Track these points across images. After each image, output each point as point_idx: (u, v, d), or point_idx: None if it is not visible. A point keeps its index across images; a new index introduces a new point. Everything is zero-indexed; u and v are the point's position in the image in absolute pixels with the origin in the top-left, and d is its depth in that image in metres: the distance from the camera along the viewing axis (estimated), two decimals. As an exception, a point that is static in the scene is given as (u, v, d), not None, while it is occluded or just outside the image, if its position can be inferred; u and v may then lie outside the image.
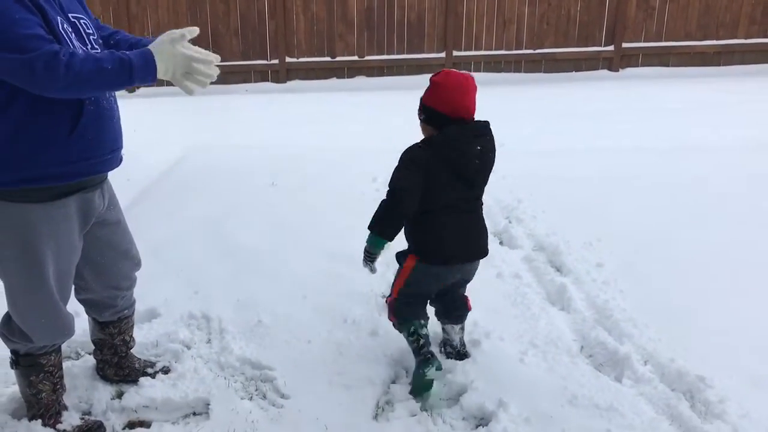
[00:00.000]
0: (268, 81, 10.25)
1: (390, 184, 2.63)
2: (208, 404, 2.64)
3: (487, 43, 10.08)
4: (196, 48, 2.18)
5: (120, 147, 2.41)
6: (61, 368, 2.57)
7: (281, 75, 10.14)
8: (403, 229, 2.71)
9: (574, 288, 3.42)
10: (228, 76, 10.10)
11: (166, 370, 2.85)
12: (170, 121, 7.63)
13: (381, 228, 2.66)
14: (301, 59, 10.11)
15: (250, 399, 2.69)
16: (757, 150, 5.43)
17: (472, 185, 2.70)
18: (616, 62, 10.06)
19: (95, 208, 2.41)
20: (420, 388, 2.69)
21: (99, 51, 2.15)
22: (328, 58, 10.12)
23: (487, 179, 2.79)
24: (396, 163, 2.63)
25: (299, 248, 3.89)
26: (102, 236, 2.49)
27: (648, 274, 3.53)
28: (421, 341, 2.69)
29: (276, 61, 10.10)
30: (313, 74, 10.12)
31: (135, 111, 8.16)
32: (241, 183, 4.95)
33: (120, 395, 2.73)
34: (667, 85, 8.88)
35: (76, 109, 2.17)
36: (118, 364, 2.81)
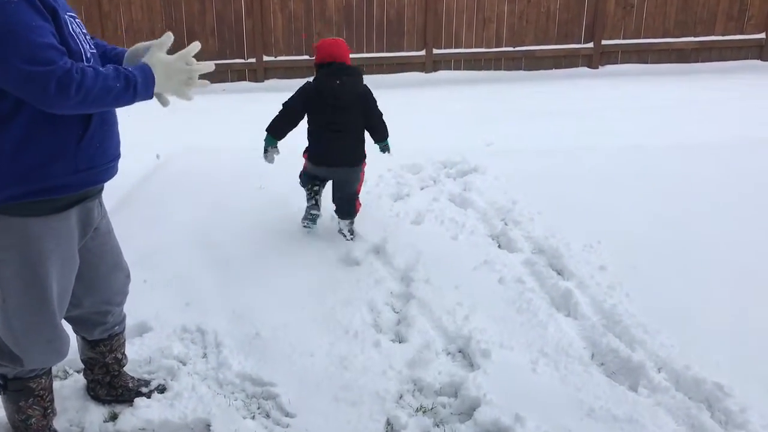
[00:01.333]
0: (246, 80, 10.06)
1: (281, 107, 3.88)
2: (209, 425, 2.50)
3: (467, 40, 10.01)
4: (182, 54, 2.13)
5: (120, 154, 2.28)
6: (52, 391, 2.41)
7: (259, 74, 9.96)
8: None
9: (579, 292, 3.33)
10: (204, 75, 9.87)
11: (161, 389, 2.70)
12: (146, 123, 7.38)
13: (272, 130, 3.89)
14: (279, 58, 9.94)
15: (253, 418, 2.56)
16: (753, 147, 5.39)
17: (335, 110, 3.80)
18: (595, 59, 10.06)
19: (94, 218, 2.28)
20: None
21: (103, 66, 2.01)
22: (306, 57, 9.96)
23: (354, 110, 3.90)
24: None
25: (292, 255, 3.76)
26: (93, 248, 2.34)
27: (653, 277, 3.46)
28: (310, 195, 4.04)
29: (253, 60, 9.92)
30: (292, 73, 9.94)
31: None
32: (226, 187, 4.79)
33: (114, 417, 2.58)
34: (648, 83, 8.88)
35: (85, 117, 2.06)
36: (110, 383, 2.66)
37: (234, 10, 9.77)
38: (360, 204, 4.11)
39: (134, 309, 3.09)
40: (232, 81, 10.01)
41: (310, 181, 4.03)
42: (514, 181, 4.84)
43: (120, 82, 1.94)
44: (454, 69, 10.15)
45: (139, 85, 1.98)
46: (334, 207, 4.05)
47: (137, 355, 2.86)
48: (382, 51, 10.01)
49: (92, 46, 2.15)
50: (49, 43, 1.84)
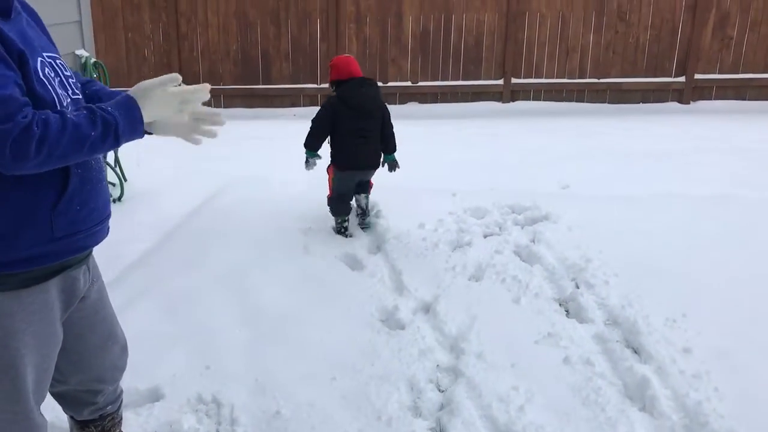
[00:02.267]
0: (317, 105, 9.85)
1: (312, 124, 4.38)
2: None
3: (548, 70, 9.52)
4: (163, 79, 1.84)
5: (109, 215, 1.98)
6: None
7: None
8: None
9: (657, 381, 2.84)
10: (276, 100, 9.78)
11: (163, 472, 2.38)
12: (205, 150, 7.25)
13: (310, 146, 4.39)
14: (352, 84, 9.70)
15: None
16: None
17: (361, 118, 4.27)
18: (687, 94, 9.38)
19: (80, 289, 1.96)
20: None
21: (78, 109, 1.69)
22: (380, 83, 9.67)
23: (377, 117, 4.38)
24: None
25: (332, 312, 3.40)
26: (82, 318, 2.03)
27: (749, 367, 2.93)
28: (342, 228, 4.43)
29: (326, 85, 9.70)
30: (364, 99, 9.70)
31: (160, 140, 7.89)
32: (274, 226, 4.50)
33: (106, 504, 2.27)
34: (745, 121, 8.16)
35: (61, 176, 1.75)
36: (104, 468, 2.35)
37: (309, 34, 9.62)
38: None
39: (151, 369, 2.81)
40: (304, 106, 9.84)
41: (341, 205, 4.42)
42: (590, 233, 4.36)
43: (96, 129, 1.64)
44: (534, 99, 9.67)
45: (120, 127, 1.69)
46: (355, 195, 4.52)
47: (142, 429, 2.54)
48: (458, 79, 9.64)
49: (76, 90, 1.85)
50: (8, 95, 1.55)
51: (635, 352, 3.13)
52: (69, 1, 4.80)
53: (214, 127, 1.93)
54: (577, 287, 3.72)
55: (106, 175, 1.95)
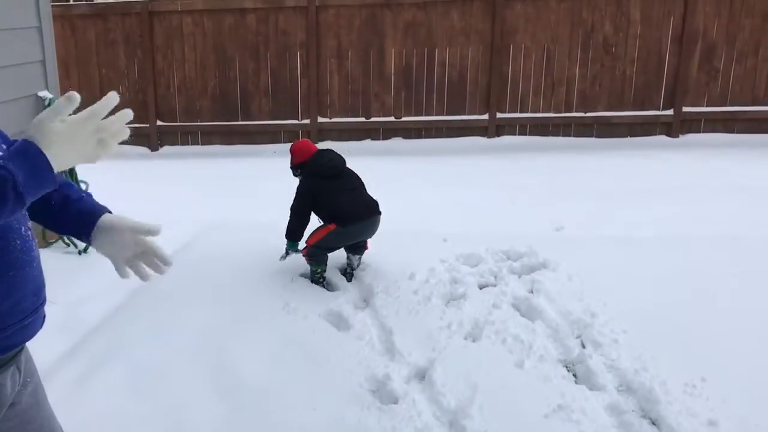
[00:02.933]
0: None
1: (292, 213, 4.25)
2: None
3: (533, 104, 9.32)
4: (93, 109, 1.40)
5: (44, 301, 1.65)
6: None
7: (313, 136, 9.46)
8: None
9: (683, 462, 2.52)
10: (256, 137, 9.49)
11: None
12: (180, 190, 6.93)
13: (292, 236, 4.25)
14: (334, 119, 9.45)
15: None
16: None
17: (341, 178, 4.26)
18: (675, 127, 9.20)
19: (6, 395, 1.61)
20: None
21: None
22: (362, 119, 9.45)
23: (353, 174, 4.39)
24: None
25: (317, 384, 3.06)
26: (11, 429, 1.68)
27: (784, 443, 2.62)
28: (322, 278, 4.19)
29: (307, 121, 9.46)
30: (347, 135, 9.44)
31: (136, 177, 7.52)
32: (251, 279, 4.16)
33: None
34: (736, 156, 7.96)
35: None
36: None
37: (290, 69, 9.37)
38: None
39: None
40: (284, 142, 9.55)
41: (324, 256, 4.17)
42: (591, 282, 4.07)
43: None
44: (519, 134, 9.45)
45: (20, 183, 1.26)
46: (347, 247, 4.30)
47: None
48: (442, 114, 9.42)
49: None
50: None
51: (653, 423, 2.82)
52: (31, 40, 4.48)
53: (149, 270, 1.68)
54: (584, 347, 3.41)
55: (37, 254, 1.61)
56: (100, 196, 5.50)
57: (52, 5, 9.59)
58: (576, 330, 3.56)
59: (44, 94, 4.58)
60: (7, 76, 4.28)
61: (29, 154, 1.30)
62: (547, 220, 5.49)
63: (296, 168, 4.36)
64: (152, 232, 1.59)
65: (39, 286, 1.60)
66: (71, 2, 10.20)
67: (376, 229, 4.27)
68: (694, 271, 4.25)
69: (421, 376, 3.17)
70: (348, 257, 4.36)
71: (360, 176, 4.41)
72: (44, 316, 1.66)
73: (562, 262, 4.37)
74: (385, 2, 8.99)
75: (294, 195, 4.25)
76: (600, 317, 3.62)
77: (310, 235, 4.18)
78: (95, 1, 9.83)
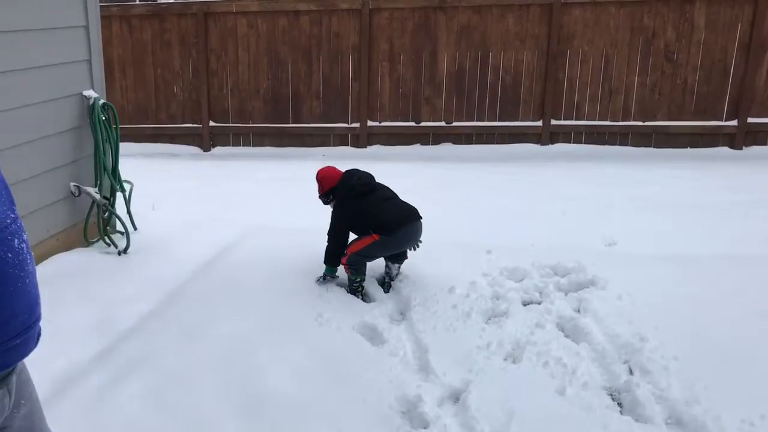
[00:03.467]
0: (348, 145, 9.52)
1: (330, 238, 4.16)
2: None
3: (590, 112, 9.04)
4: None
5: (38, 318, 1.56)
6: None
7: (362, 139, 9.40)
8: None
9: None
10: (306, 139, 9.46)
11: None
12: (228, 191, 6.91)
13: (331, 262, 4.14)
14: (384, 123, 9.35)
15: None
16: None
17: (373, 191, 4.18)
18: (739, 139, 8.80)
19: None
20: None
21: None
22: (412, 123, 9.32)
23: (385, 186, 4.31)
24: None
25: (345, 402, 2.93)
26: None
27: None
28: (360, 288, 4.08)
29: (357, 125, 9.38)
30: (396, 140, 9.33)
31: (186, 177, 7.52)
32: (286, 288, 4.07)
33: None
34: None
35: None
36: None
37: (341, 73, 9.31)
38: None
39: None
40: (334, 145, 9.51)
41: (364, 266, 4.07)
42: (643, 303, 3.85)
43: None
44: (574, 142, 9.18)
45: None
46: (389, 263, 4.25)
47: None
48: (495, 120, 9.22)
49: None
50: None
51: (706, 463, 2.60)
52: (77, 39, 4.49)
53: None
54: (631, 373, 3.20)
55: (32, 268, 1.53)
56: (148, 196, 5.56)
57: (112, 5, 9.79)
58: (624, 355, 3.35)
59: (89, 93, 4.60)
60: (53, 75, 4.30)
61: None
62: (598, 234, 5.26)
63: (327, 195, 4.29)
64: None
65: (33, 303, 1.52)
66: (132, 2, 10.39)
67: (419, 236, 4.18)
68: (755, 293, 3.99)
69: (455, 398, 3.02)
70: (387, 266, 4.26)
71: (392, 189, 4.33)
72: (39, 334, 1.57)
73: (612, 280, 4.16)
74: (440, 5, 8.85)
75: (330, 220, 4.19)
76: (650, 341, 3.40)
77: (351, 244, 4.08)
78: (153, 2, 9.98)
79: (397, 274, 4.26)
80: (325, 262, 4.16)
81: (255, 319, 3.64)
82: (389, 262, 4.25)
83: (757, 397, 2.93)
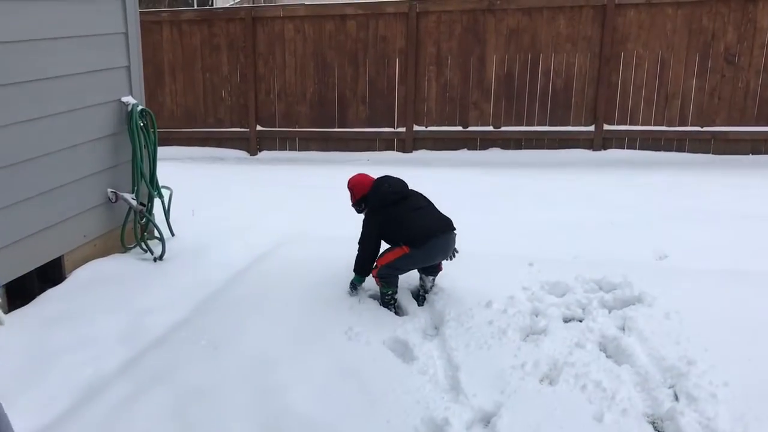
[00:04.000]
0: (393, 150, 9.42)
1: (361, 248, 4.05)
2: None
3: (645, 117, 8.71)
4: None
5: None
6: None
7: (407, 144, 9.28)
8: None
9: None
10: (351, 143, 9.39)
11: None
12: (271, 196, 6.87)
13: (361, 271, 4.04)
14: (430, 128, 9.20)
15: None
16: None
17: (404, 199, 4.04)
18: (805, 145, 8.35)
19: None
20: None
21: None
22: (459, 128, 9.15)
23: (417, 194, 4.15)
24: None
25: (369, 424, 2.81)
26: None
27: None
28: (393, 300, 3.96)
29: (403, 129, 9.26)
30: (442, 144, 9.18)
31: (231, 181, 7.52)
32: (318, 299, 3.98)
33: None
34: None
35: None
36: None
37: (387, 77, 9.21)
38: None
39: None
40: (379, 150, 9.42)
41: (395, 278, 3.95)
42: (692, 323, 3.62)
43: None
44: (628, 148, 8.87)
45: None
46: (423, 275, 4.14)
47: None
48: (545, 124, 8.98)
49: None
50: None
51: (755, 503, 2.39)
52: (117, 46, 4.50)
53: None
54: (676, 399, 2.99)
55: None
56: (189, 201, 5.56)
57: (163, 10, 9.92)
58: (669, 379, 3.14)
59: (128, 99, 4.60)
60: (92, 81, 4.31)
61: None
62: (649, 247, 5.01)
63: (359, 204, 4.18)
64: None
65: None
66: (183, 8, 10.51)
67: (451, 248, 4.03)
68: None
69: (486, 421, 2.86)
70: (421, 278, 4.13)
71: (427, 196, 4.19)
72: None
73: (660, 297, 3.93)
74: (488, 7, 8.67)
75: (361, 228, 4.08)
76: (698, 365, 3.18)
77: (381, 256, 3.97)
78: (203, 7, 10.07)
79: (431, 287, 4.12)
80: (354, 271, 4.07)
81: (283, 332, 3.55)
82: (423, 275, 4.11)
83: (815, 431, 2.69)
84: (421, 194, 4.17)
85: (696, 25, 8.27)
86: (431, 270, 4.08)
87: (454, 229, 3.99)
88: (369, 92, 9.32)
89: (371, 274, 3.99)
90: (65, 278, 4.21)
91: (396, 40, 9.02)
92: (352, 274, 4.15)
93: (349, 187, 4.22)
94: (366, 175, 4.27)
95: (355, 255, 4.06)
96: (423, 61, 9.02)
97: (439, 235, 3.89)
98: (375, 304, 3.93)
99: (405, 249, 3.85)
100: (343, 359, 3.28)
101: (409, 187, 4.17)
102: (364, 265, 4.01)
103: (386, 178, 4.16)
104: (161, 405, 2.91)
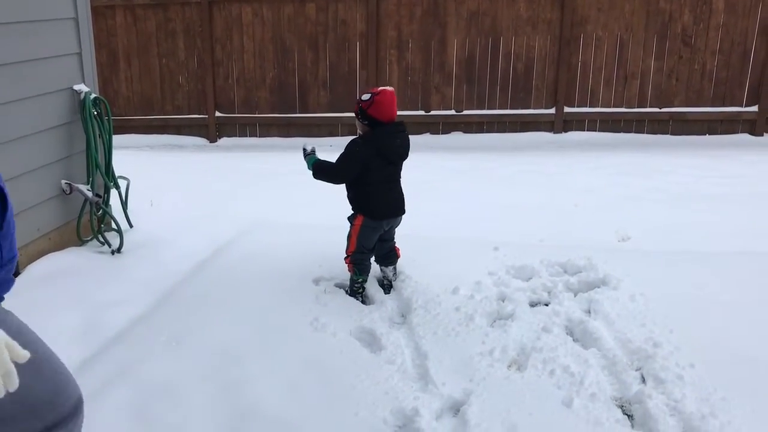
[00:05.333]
0: (356, 135, 9.31)
1: (336, 164, 3.78)
2: None
3: (604, 99, 8.79)
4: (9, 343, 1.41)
5: None
6: None
7: (370, 129, 9.19)
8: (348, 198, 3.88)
9: None
10: (313, 129, 9.28)
11: None
12: (233, 183, 6.76)
13: (318, 175, 3.84)
14: (393, 112, 9.12)
15: None
16: None
17: (395, 165, 3.81)
18: (760, 125, 8.53)
19: None
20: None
21: None
22: (422, 112, 9.11)
23: (402, 163, 3.87)
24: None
25: (337, 417, 2.76)
26: None
27: None
28: (362, 289, 3.92)
29: (365, 114, 9.16)
30: (407, 128, 9.10)
31: (190, 169, 7.37)
32: (282, 288, 3.89)
33: None
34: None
35: None
36: None
37: (348, 61, 9.11)
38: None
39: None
40: (342, 135, 9.32)
41: (365, 262, 3.89)
42: (657, 305, 3.64)
43: None
44: (588, 130, 8.94)
45: None
46: (378, 259, 4.03)
47: None
48: (506, 108, 8.99)
49: None
50: None
51: (723, 484, 2.41)
52: (66, 32, 4.32)
53: None
54: (644, 382, 3.01)
55: None
56: (148, 190, 5.42)
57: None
58: (636, 361, 3.15)
59: (80, 87, 4.43)
60: (41, 69, 4.13)
61: None
62: (611, 229, 5.05)
63: (367, 119, 3.67)
64: (20, 358, 1.40)
65: None
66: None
67: (397, 224, 3.97)
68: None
69: (455, 410, 2.84)
70: (381, 270, 4.05)
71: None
72: None
73: (624, 279, 3.95)
74: (449, -10, 8.61)
75: (345, 150, 3.72)
76: (664, 347, 3.20)
77: (348, 241, 3.89)
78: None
79: (394, 275, 4.06)
80: (314, 169, 3.79)
81: (247, 325, 3.47)
82: (381, 266, 4.03)
83: (779, 409, 2.73)
84: (400, 163, 3.88)
85: (653, 6, 8.35)
86: (388, 260, 4.01)
87: (403, 212, 3.91)
88: (330, 77, 9.21)
89: (344, 262, 3.92)
90: (19, 273, 4.06)
91: (356, 23, 8.92)
92: (317, 261, 4.11)
93: (375, 98, 3.62)
94: (394, 105, 3.71)
95: (328, 166, 3.77)
96: (384, 44, 8.94)
97: (393, 217, 3.87)
98: (341, 294, 3.87)
99: (359, 220, 3.80)
100: (310, 351, 3.22)
101: (407, 151, 3.82)
102: (324, 177, 3.79)
103: (401, 135, 3.74)
104: (122, 403, 2.81)
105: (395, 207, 3.88)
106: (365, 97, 3.68)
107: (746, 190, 6.00)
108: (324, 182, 3.85)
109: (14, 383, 1.39)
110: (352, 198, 3.87)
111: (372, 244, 3.89)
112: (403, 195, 3.92)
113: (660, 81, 8.60)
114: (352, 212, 3.90)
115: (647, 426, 2.71)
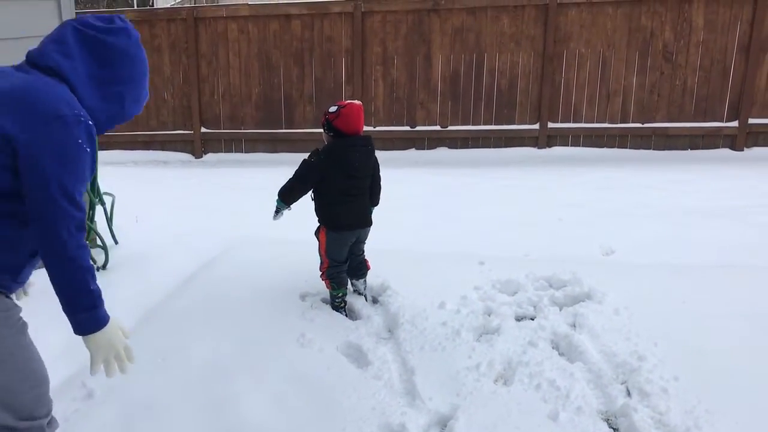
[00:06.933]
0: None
1: (295, 176, 3.79)
2: None
3: (588, 114, 8.89)
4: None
5: None
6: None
7: (355, 144, 9.22)
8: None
9: None
10: (299, 144, 9.29)
11: None
12: (218, 199, 6.75)
13: (285, 198, 3.84)
14: (378, 128, 9.19)
15: None
16: None
17: (356, 179, 3.78)
18: (740, 140, 8.66)
19: None
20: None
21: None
22: (407, 128, 9.17)
23: (369, 175, 3.87)
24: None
25: (327, 431, 2.75)
26: None
27: None
28: (343, 303, 3.92)
29: (350, 130, 9.20)
30: (391, 144, 9.17)
31: (175, 185, 7.36)
32: (268, 306, 3.89)
33: None
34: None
35: None
36: None
37: (334, 77, 9.16)
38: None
39: None
40: (327, 150, 9.32)
41: (339, 276, 3.90)
42: (641, 318, 3.67)
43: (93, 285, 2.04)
44: (572, 145, 9.04)
45: (95, 310, 2.08)
46: (348, 272, 4.01)
47: None
48: (491, 123, 9.07)
49: None
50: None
51: (708, 496, 2.43)
52: (49, 11, 4.31)
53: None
54: (629, 395, 3.03)
55: None
56: (133, 206, 5.37)
57: (103, 11, 9.63)
58: (621, 375, 3.17)
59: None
60: (23, 49, 4.11)
61: (99, 320, 2.14)
62: (596, 243, 5.09)
63: (332, 130, 3.68)
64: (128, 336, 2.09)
65: None
66: (123, 8, 10.23)
67: (365, 239, 4.01)
68: (765, 306, 3.80)
69: (442, 425, 2.84)
70: (352, 283, 4.07)
71: (379, 176, 3.98)
72: None
73: (609, 293, 3.98)
74: (433, 7, 8.70)
75: (308, 158, 3.73)
76: (649, 360, 3.22)
77: (320, 257, 3.92)
78: (143, 8, 9.82)
79: (365, 288, 4.08)
80: (279, 194, 3.82)
81: (233, 341, 3.46)
82: (353, 280, 4.05)
83: (763, 421, 2.76)
84: (372, 175, 3.89)
85: (635, 23, 8.48)
86: (358, 273, 4.04)
87: (369, 223, 3.95)
88: (316, 92, 9.25)
89: (321, 278, 3.93)
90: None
91: (342, 39, 8.98)
92: (303, 277, 4.09)
93: (341, 111, 3.64)
94: (361, 119, 3.73)
95: (287, 180, 3.79)
96: (369, 60, 9.00)
97: (359, 228, 3.89)
98: (327, 309, 3.87)
99: (324, 230, 3.85)
100: (296, 367, 3.21)
101: (370, 165, 3.84)
102: (288, 194, 3.79)
103: (360, 151, 3.71)
104: (108, 421, 2.79)
105: (357, 219, 3.88)
106: (332, 109, 3.71)
107: (728, 204, 6.07)
108: (294, 193, 3.81)
109: (132, 357, 2.12)
110: (315, 209, 3.91)
111: (343, 256, 3.91)
112: (367, 208, 3.94)
113: (642, 97, 8.72)
114: (318, 225, 3.95)
115: (633, 439, 2.73)
